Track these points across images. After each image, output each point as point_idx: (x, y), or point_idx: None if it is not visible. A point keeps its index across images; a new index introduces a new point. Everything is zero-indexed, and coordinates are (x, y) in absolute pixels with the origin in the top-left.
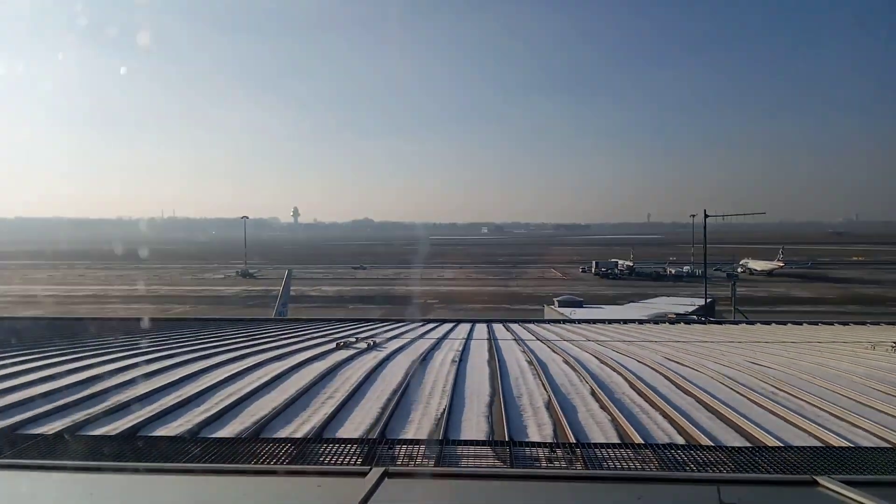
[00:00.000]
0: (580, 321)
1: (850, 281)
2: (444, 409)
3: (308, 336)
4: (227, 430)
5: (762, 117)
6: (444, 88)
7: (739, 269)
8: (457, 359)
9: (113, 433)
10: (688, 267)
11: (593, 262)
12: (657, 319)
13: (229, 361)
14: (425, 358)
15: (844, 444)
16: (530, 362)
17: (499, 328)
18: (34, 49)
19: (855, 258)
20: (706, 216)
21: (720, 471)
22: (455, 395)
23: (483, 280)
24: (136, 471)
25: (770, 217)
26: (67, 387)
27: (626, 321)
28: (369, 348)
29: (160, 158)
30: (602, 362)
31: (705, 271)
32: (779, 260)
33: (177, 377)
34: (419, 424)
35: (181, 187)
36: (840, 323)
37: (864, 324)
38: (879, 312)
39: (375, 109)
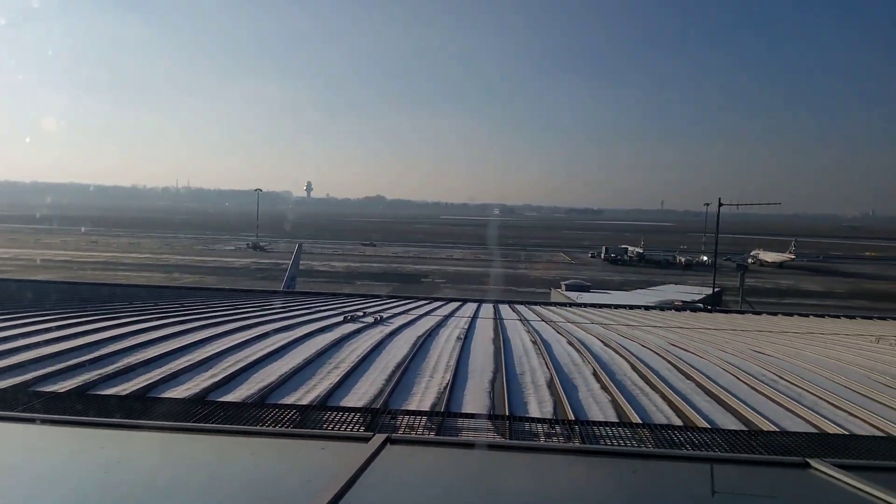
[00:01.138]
0: (586, 305)
1: (861, 276)
2: (448, 384)
3: (316, 309)
4: (234, 396)
5: (780, 108)
6: (462, 67)
7: (750, 261)
8: (462, 336)
9: (123, 393)
10: (706, 257)
11: (603, 248)
12: (663, 306)
13: (237, 330)
14: (430, 334)
15: (840, 431)
16: (534, 342)
17: (505, 308)
18: (52, 11)
19: (868, 254)
20: (720, 204)
21: (713, 450)
22: (458, 370)
23: (491, 262)
24: (144, 427)
25: (785, 209)
26: (79, 347)
27: (631, 306)
28: (376, 323)
29: (176, 128)
30: (606, 345)
31: (715, 261)
32: (790, 252)
33: (186, 343)
34: (422, 397)
35: (195, 158)
36: (846, 317)
37: (870, 318)
38: (887, 308)
39: (391, 86)
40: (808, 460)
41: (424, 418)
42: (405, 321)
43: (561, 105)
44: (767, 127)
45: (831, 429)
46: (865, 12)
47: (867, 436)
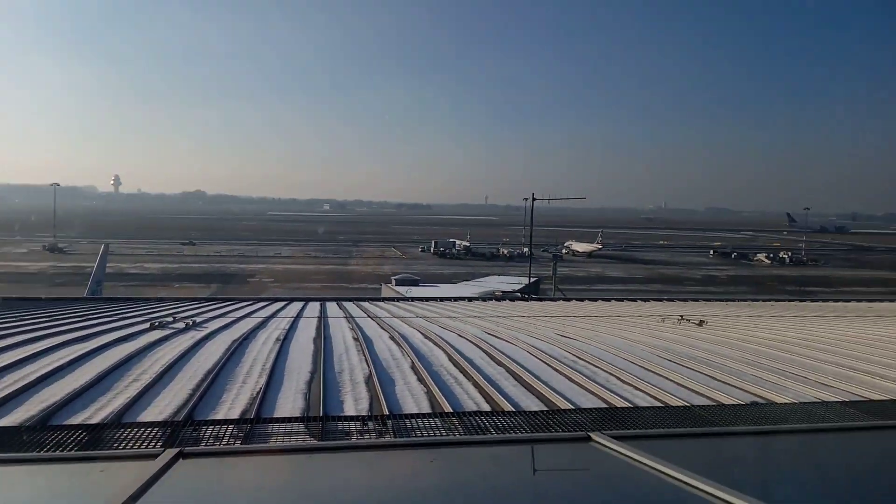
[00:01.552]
0: (414, 299)
1: (656, 262)
2: (261, 388)
3: (121, 316)
4: (9, 420)
5: (583, 118)
6: (286, 57)
7: (564, 251)
8: (281, 337)
9: None
10: (527, 249)
11: (432, 242)
12: (485, 297)
13: (21, 344)
14: (248, 337)
15: (626, 404)
16: (356, 339)
17: (332, 306)
18: None
19: (661, 242)
20: (533, 199)
21: (516, 433)
22: (274, 373)
23: (321, 259)
24: None
25: (593, 203)
26: None
27: (456, 298)
28: (187, 328)
29: None
30: (426, 337)
31: (531, 251)
32: (598, 242)
33: None
34: (231, 405)
35: None
36: (642, 299)
37: (660, 300)
38: (677, 290)
39: (207, 72)
40: (590, 434)
41: (232, 427)
42: (221, 325)
43: (390, 100)
44: (574, 132)
45: (619, 403)
46: (669, 28)
47: (647, 407)
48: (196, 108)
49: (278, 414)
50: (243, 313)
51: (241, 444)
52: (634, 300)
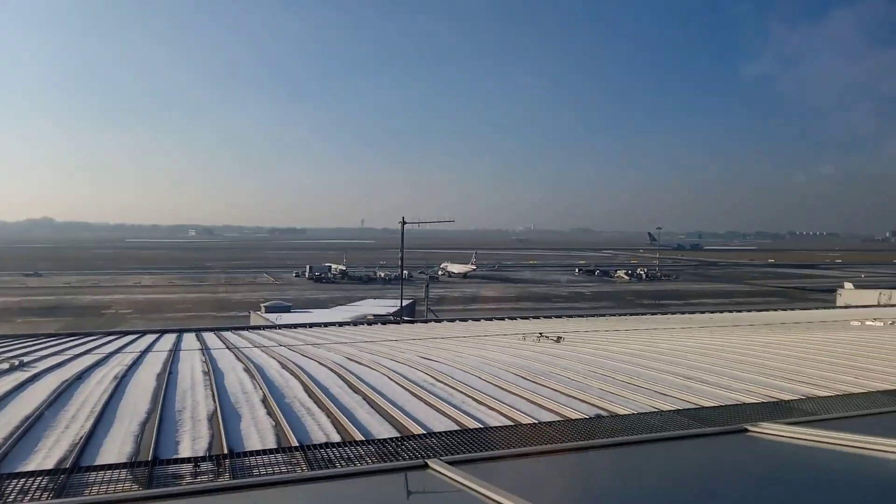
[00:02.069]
0: (282, 326)
1: (527, 281)
2: (86, 433)
3: None
4: None
5: (462, 140)
6: (139, 76)
7: (440, 272)
8: (120, 374)
9: None
10: (407, 272)
11: (307, 267)
12: (357, 321)
13: None
14: (81, 376)
15: (477, 425)
16: (206, 372)
17: (188, 338)
18: None
19: (532, 262)
20: (403, 223)
21: (362, 463)
22: (104, 415)
23: (187, 287)
24: None
25: (467, 225)
26: None
27: (326, 324)
28: (11, 369)
29: None
30: (283, 367)
31: (402, 274)
32: (472, 263)
33: None
34: (48, 453)
35: None
36: (509, 318)
37: (527, 318)
38: (546, 307)
39: (53, 90)
40: (427, 462)
41: (44, 479)
42: (54, 363)
43: (260, 123)
44: (447, 156)
45: (472, 424)
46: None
47: (498, 426)
48: (43, 131)
49: (102, 461)
50: (84, 349)
51: (53, 497)
52: (502, 319)
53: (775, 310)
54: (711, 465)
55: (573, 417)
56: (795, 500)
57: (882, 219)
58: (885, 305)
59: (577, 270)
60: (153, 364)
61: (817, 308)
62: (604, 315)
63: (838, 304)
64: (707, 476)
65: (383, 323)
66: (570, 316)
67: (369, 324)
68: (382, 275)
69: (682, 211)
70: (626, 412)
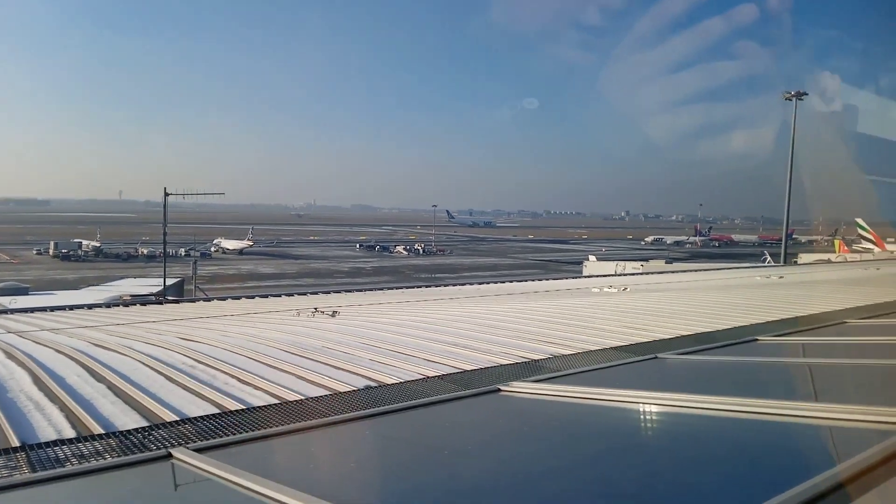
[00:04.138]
0: (16, 311)
1: (307, 257)
2: None
3: None
4: None
5: (233, 108)
6: None
7: (213, 249)
8: None
9: None
10: (183, 250)
11: (52, 243)
12: (111, 303)
13: None
14: None
15: (240, 406)
16: None
17: None
18: None
19: (312, 237)
20: (166, 194)
21: (97, 460)
22: None
23: None
24: None
25: (243, 199)
26: None
27: (73, 307)
28: None
29: None
30: (9, 356)
31: (164, 251)
32: (249, 239)
33: None
34: None
35: None
36: (286, 294)
37: (304, 294)
38: (327, 283)
39: None
40: (170, 451)
41: None
42: None
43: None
44: (217, 126)
45: (233, 406)
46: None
47: (262, 406)
48: None
49: None
50: None
51: None
52: (279, 296)
53: (533, 280)
54: (467, 425)
55: (342, 391)
56: (538, 451)
57: (618, 200)
58: (619, 275)
59: (357, 246)
60: None
61: (567, 278)
62: (381, 289)
63: (584, 274)
64: (463, 436)
65: (143, 304)
66: (349, 291)
67: (126, 305)
68: (145, 251)
69: (458, 190)
70: (395, 381)
